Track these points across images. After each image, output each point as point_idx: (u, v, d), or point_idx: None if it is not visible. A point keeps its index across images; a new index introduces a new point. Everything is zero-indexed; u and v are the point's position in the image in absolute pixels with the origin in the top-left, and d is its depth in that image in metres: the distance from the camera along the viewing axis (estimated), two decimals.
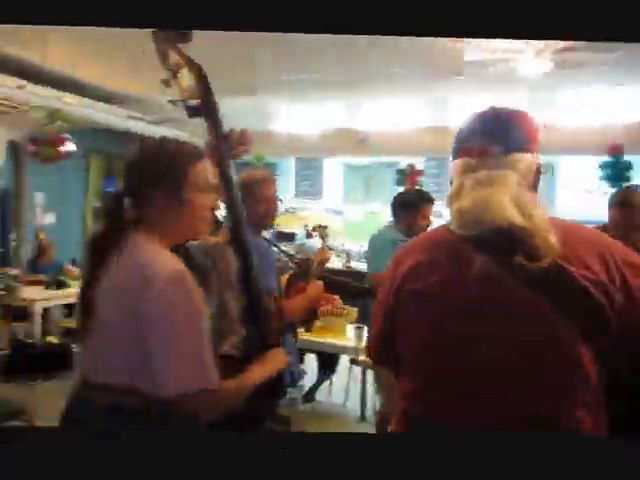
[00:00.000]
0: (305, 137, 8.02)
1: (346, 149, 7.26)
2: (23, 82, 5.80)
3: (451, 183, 1.21)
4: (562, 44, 4.26)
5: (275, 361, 1.56)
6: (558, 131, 5.93)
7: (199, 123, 1.61)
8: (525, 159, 1.16)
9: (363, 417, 4.48)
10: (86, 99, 6.44)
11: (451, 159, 1.25)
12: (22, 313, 5.45)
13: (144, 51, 1.59)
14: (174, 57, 1.55)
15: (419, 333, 1.20)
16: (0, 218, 8.36)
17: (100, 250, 1.36)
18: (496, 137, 1.16)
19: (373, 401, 4.19)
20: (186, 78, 1.58)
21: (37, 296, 5.57)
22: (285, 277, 2.37)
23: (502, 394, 1.08)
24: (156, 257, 1.31)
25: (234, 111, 7.29)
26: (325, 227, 3.42)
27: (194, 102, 1.57)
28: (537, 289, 1.04)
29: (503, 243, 1.06)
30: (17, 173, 8.63)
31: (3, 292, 5.46)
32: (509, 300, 1.07)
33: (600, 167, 5.22)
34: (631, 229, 2.29)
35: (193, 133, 7.76)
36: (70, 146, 5.63)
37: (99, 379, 1.32)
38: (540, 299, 1.04)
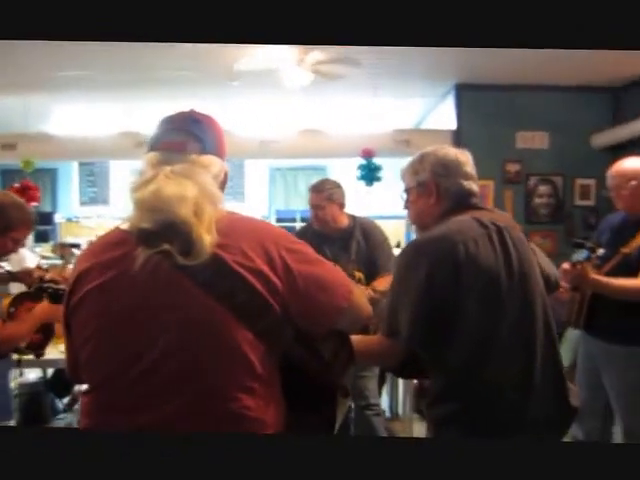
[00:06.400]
0: (88, 140, 7.65)
1: (128, 152, 7.09)
2: None
3: (141, 174, 1.21)
4: (320, 56, 4.66)
5: None
6: (327, 136, 6.39)
7: None
8: (217, 163, 1.25)
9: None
10: None
11: (146, 151, 1.27)
12: None
13: None
14: None
15: (88, 340, 1.17)
16: None
17: None
18: (195, 136, 1.23)
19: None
20: None
21: None
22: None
23: (174, 385, 1.11)
24: None
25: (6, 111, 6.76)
26: (74, 246, 3.12)
27: None
28: (196, 278, 1.10)
29: (169, 236, 1.10)
30: None
31: None
32: (171, 291, 1.11)
33: (358, 169, 5.77)
34: None
35: None
36: None
37: None
38: (198, 287, 1.10)
